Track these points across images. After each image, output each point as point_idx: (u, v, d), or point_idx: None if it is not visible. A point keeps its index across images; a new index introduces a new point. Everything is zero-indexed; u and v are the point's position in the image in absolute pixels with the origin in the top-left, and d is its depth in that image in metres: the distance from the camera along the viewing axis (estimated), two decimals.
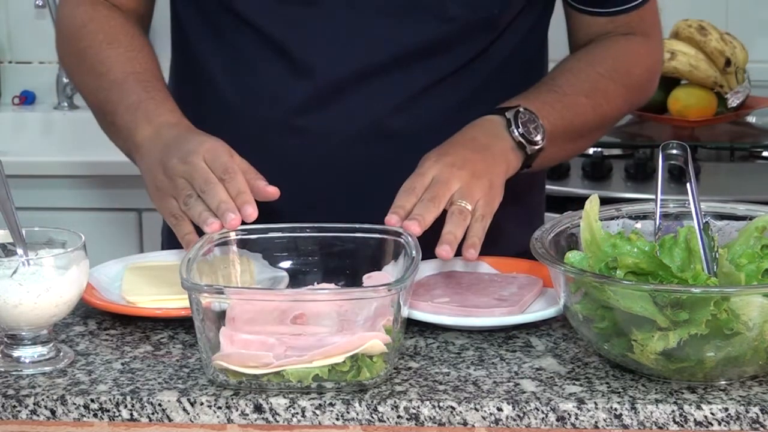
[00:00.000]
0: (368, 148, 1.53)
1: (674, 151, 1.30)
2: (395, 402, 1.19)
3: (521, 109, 1.46)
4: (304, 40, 1.52)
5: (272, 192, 1.35)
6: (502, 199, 1.41)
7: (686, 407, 1.17)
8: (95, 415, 1.21)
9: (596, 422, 1.18)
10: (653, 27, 1.64)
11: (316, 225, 1.36)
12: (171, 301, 1.36)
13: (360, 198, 1.54)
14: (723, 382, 1.21)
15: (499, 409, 1.18)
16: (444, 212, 1.34)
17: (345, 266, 1.35)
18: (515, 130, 1.44)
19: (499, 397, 1.19)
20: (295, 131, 1.53)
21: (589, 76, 1.55)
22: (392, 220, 1.32)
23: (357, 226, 1.35)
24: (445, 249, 1.31)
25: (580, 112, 1.52)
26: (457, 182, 1.36)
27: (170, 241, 1.69)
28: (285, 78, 1.53)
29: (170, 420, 1.20)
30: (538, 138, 1.45)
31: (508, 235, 1.57)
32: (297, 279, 1.37)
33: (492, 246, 1.40)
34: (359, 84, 1.51)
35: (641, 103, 1.66)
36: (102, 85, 1.53)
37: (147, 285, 1.41)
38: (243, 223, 1.31)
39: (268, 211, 1.53)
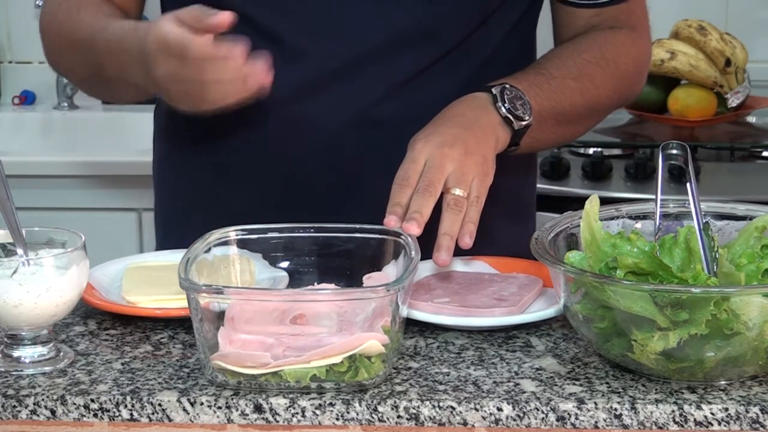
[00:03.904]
0: (359, 135, 1.53)
1: (674, 151, 1.30)
2: (395, 402, 1.19)
3: (507, 86, 1.46)
4: (295, 26, 1.51)
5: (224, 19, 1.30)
6: (493, 180, 1.41)
7: (686, 407, 1.17)
8: (95, 415, 1.21)
9: (596, 422, 1.18)
10: (641, 21, 1.63)
11: (315, 225, 1.36)
12: (171, 301, 1.36)
13: (351, 185, 1.54)
14: (723, 382, 1.21)
15: (499, 409, 1.18)
16: (441, 197, 1.35)
17: (345, 267, 1.35)
18: (502, 106, 1.44)
19: (499, 397, 1.19)
20: (286, 119, 1.52)
21: (576, 62, 1.55)
22: (391, 221, 1.32)
23: (357, 226, 1.35)
24: (442, 257, 1.31)
25: (567, 95, 1.52)
26: (450, 163, 1.36)
27: (165, 241, 1.69)
28: (276, 65, 1.53)
29: (170, 420, 1.20)
30: (525, 114, 1.45)
31: (500, 236, 1.57)
32: (297, 279, 1.37)
33: (483, 247, 1.40)
34: (351, 70, 1.51)
35: (630, 96, 1.65)
36: (83, 49, 1.51)
37: (147, 285, 1.41)
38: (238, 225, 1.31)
39: (260, 201, 1.53)
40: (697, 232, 1.25)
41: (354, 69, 1.51)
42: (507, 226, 1.62)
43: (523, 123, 1.45)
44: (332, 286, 1.34)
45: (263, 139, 1.54)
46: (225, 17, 1.28)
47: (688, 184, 1.28)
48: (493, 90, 1.45)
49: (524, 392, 1.20)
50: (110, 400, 1.20)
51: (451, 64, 1.54)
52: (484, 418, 1.18)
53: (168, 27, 1.32)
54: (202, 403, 1.20)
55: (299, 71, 1.52)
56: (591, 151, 2.73)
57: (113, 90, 1.56)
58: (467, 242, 1.33)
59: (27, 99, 3.21)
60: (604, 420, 1.18)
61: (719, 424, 1.17)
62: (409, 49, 1.52)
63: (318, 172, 1.54)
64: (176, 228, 1.67)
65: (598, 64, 1.56)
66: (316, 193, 1.54)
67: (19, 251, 1.27)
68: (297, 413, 1.19)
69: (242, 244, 1.35)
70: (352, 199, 1.53)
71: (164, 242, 1.69)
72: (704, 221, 1.28)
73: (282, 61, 1.52)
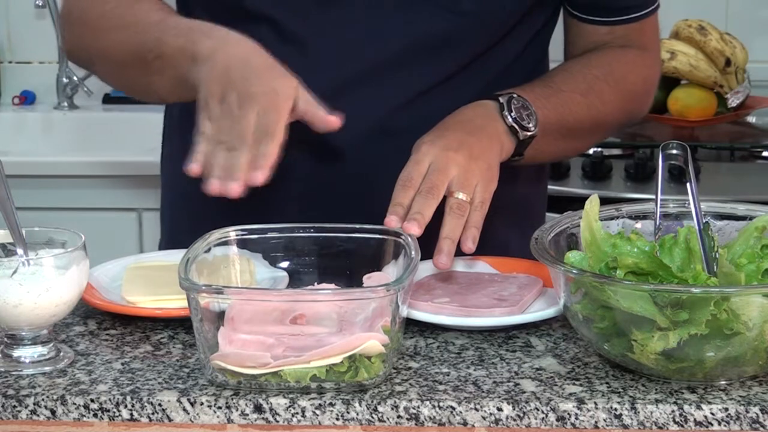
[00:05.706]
0: (375, 143, 1.53)
1: (674, 151, 1.30)
2: (395, 402, 1.19)
3: (515, 96, 1.47)
4: (319, 34, 1.51)
5: (333, 121, 1.32)
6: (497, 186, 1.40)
7: (686, 407, 1.17)
8: (95, 415, 1.21)
9: (596, 422, 1.18)
10: (652, 42, 1.64)
11: (316, 225, 1.36)
12: (171, 301, 1.36)
13: (365, 193, 1.54)
14: (723, 382, 1.21)
15: (499, 409, 1.18)
16: (444, 200, 1.35)
17: (345, 267, 1.35)
18: (508, 115, 1.44)
19: (499, 397, 1.19)
20: (302, 125, 1.52)
21: (585, 77, 1.55)
22: (392, 222, 1.32)
23: (357, 226, 1.35)
24: (442, 261, 1.31)
25: (574, 109, 1.53)
26: (455, 167, 1.36)
27: (171, 240, 1.69)
28: (298, 73, 1.52)
29: (170, 420, 1.20)
30: (531, 124, 1.46)
31: (507, 243, 1.57)
32: (297, 279, 1.37)
33: (492, 254, 1.40)
34: (370, 77, 1.51)
35: (636, 115, 1.66)
36: (137, 31, 1.45)
37: (147, 285, 1.41)
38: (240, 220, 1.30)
39: (272, 207, 1.52)
40: (697, 232, 1.25)
41: (373, 77, 1.51)
42: (516, 233, 1.62)
43: (529, 133, 1.46)
44: (332, 286, 1.34)
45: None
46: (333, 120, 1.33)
47: (688, 184, 1.28)
48: (501, 99, 1.46)
49: (524, 392, 1.20)
50: (110, 400, 1.20)
51: (468, 75, 1.54)
52: (484, 418, 1.18)
53: (284, 96, 1.31)
54: (202, 403, 1.20)
55: (318, 77, 1.51)
56: (591, 151, 2.72)
57: (151, 76, 1.46)
58: (470, 247, 1.33)
59: (27, 99, 3.21)
60: (604, 420, 1.18)
61: (719, 424, 1.17)
62: (429, 59, 1.52)
63: (332, 179, 1.54)
64: (184, 228, 1.67)
65: (606, 81, 1.56)
66: (328, 201, 1.54)
67: (19, 251, 1.27)
68: (297, 413, 1.19)
69: (242, 244, 1.35)
70: (365, 206, 1.53)
71: (170, 242, 1.69)
72: (704, 221, 1.28)
73: (302, 65, 1.51)
